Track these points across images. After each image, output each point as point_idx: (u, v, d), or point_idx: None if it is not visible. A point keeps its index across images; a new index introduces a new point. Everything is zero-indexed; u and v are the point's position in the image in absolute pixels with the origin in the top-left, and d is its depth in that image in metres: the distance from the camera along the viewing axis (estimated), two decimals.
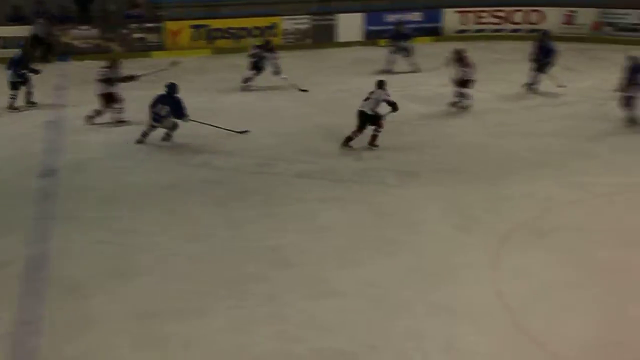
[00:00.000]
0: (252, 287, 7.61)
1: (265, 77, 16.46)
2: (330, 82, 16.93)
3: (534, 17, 21.38)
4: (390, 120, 11.90)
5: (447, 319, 7.02)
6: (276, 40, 20.45)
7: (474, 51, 19.53)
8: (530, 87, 15.42)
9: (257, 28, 20.69)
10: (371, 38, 21.32)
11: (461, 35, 21.40)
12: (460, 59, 14.24)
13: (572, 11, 20.56)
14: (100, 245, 8.60)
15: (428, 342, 6.65)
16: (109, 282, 7.73)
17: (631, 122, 12.87)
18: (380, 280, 7.73)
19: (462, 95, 14.14)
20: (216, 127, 12.49)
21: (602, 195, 9.83)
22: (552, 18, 19.95)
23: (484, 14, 21.79)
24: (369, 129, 11.84)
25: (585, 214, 9.32)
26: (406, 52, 17.85)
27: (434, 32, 21.51)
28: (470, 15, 21.74)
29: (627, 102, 12.85)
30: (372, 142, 11.89)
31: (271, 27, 20.76)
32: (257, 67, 16.23)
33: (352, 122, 11.84)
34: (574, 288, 7.50)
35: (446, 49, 18.75)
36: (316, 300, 7.36)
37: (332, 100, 15.19)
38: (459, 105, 14.19)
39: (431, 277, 7.79)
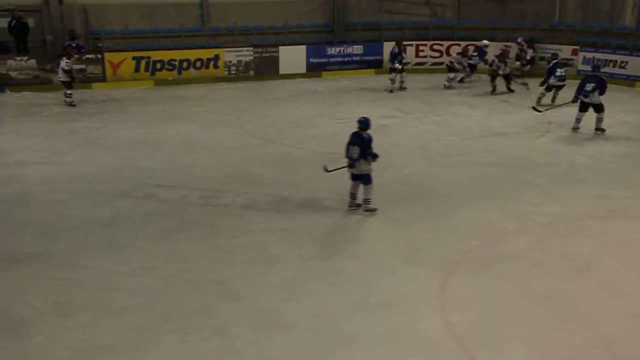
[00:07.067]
0: (197, 321, 7.49)
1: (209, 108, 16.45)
2: (273, 113, 16.98)
3: (471, 51, 21.90)
4: (331, 151, 11.94)
5: (395, 350, 7.02)
6: (218, 72, 20.55)
7: (415, 83, 20.11)
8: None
9: (199, 59, 20.65)
10: (313, 70, 21.52)
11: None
12: None
13: (507, 46, 21.16)
14: (41, 281, 8.35)
15: None
16: (51, 320, 7.49)
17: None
18: (326, 312, 7.69)
19: None
20: None
21: (543, 225, 10.05)
22: (489, 52, 20.43)
23: (423, 47, 22.26)
24: None
25: (528, 242, 9.50)
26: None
27: (375, 65, 21.84)
28: (411, 48, 22.17)
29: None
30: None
31: (214, 58, 20.75)
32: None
33: (297, 152, 11.80)
34: (520, 316, 7.61)
35: (387, 81, 19.23)
36: (263, 333, 7.27)
37: (276, 131, 15.22)
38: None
39: (378, 307, 7.80)
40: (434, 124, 15.75)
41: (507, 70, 18.86)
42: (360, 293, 8.11)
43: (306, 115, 16.63)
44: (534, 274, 8.54)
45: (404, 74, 19.30)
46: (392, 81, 19.09)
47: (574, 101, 14.84)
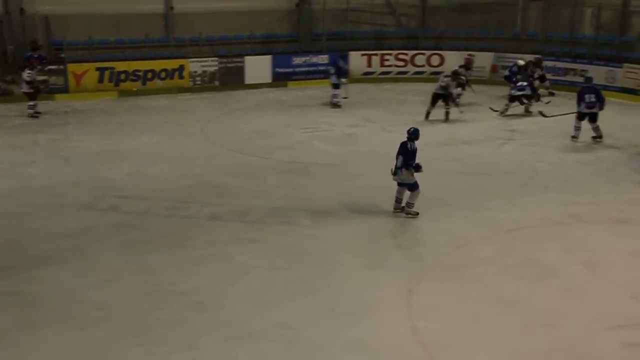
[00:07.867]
0: (164, 332, 7.41)
1: (176, 119, 16.35)
2: (239, 123, 16.95)
3: (435, 60, 22.20)
4: (297, 161, 11.89)
5: (362, 358, 7.03)
6: (183, 83, 20.45)
7: (380, 92, 20.25)
8: None
9: (163, 70, 20.54)
10: (279, 80, 21.55)
11: (367, 77, 21.93)
12: None
13: (471, 54, 21.44)
14: (4, 295, 8.21)
15: None
16: (14, 335, 7.35)
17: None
18: (293, 321, 7.68)
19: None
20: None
21: (508, 231, 10.17)
22: (453, 61, 20.69)
23: (388, 57, 22.44)
24: None
25: (494, 249, 9.60)
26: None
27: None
28: (376, 57, 22.34)
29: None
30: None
31: (179, 69, 20.66)
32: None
33: (264, 162, 11.79)
34: (486, 322, 7.68)
35: (353, 90, 19.32)
36: (231, 344, 7.23)
37: (241, 141, 15.17)
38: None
39: (345, 315, 7.81)
40: (398, 133, 15.75)
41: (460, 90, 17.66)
42: (327, 301, 8.11)
43: (272, 125, 16.62)
44: (500, 280, 8.64)
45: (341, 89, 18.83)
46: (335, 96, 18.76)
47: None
